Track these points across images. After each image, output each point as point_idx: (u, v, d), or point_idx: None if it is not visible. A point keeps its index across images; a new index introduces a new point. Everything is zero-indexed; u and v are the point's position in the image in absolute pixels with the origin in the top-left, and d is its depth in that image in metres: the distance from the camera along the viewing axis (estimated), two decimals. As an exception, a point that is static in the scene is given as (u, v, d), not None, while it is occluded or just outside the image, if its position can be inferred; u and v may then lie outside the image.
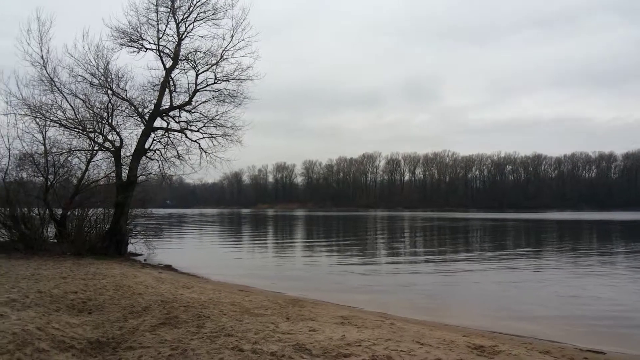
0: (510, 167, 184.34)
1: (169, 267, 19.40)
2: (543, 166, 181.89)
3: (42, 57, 20.98)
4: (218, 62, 22.38)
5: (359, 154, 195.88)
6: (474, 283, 17.40)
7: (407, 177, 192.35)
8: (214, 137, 22.81)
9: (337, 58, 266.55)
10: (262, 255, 28.02)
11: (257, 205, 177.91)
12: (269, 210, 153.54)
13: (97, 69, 21.34)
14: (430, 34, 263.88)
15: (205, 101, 22.90)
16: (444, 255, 26.92)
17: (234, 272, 19.68)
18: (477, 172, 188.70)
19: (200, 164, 22.95)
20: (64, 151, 22.15)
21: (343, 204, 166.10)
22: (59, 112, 21.55)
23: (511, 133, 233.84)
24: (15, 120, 21.27)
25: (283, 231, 53.57)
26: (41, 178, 22.29)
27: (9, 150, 22.12)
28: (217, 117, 22.68)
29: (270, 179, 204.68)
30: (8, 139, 21.86)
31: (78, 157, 22.98)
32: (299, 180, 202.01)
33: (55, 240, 21.81)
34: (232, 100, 22.73)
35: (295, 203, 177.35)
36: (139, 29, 21.77)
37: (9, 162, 22.54)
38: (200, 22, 22.17)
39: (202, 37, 22.41)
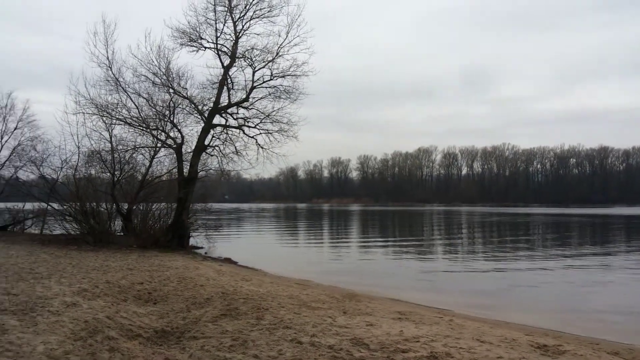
0: (575, 160, 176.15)
1: (228, 260, 19.90)
2: (610, 159, 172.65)
3: (107, 58, 22.04)
4: (274, 58, 22.70)
5: (414, 148, 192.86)
6: (535, 281, 16.86)
7: (464, 171, 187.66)
8: (271, 133, 23.19)
9: (391, 49, 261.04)
10: (318, 250, 28.26)
11: (312, 199, 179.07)
12: (324, 204, 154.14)
13: (159, 68, 22.18)
14: (489, 21, 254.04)
15: (261, 98, 23.31)
16: (503, 252, 26.21)
17: (290, 265, 19.99)
18: (538, 166, 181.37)
19: (257, 159, 23.41)
20: (129, 148, 23.19)
21: (398, 199, 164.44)
22: (124, 110, 22.58)
23: (575, 125, 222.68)
24: (84, 119, 22.50)
25: (338, 226, 53.77)
26: (108, 174, 23.41)
27: (78, 148, 23.53)
28: (274, 113, 23.05)
29: (326, 173, 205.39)
30: (77, 137, 23.23)
31: (142, 154, 23.98)
32: (354, 174, 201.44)
33: (122, 234, 22.88)
34: (288, 96, 23.02)
35: (350, 198, 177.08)
36: (197, 29, 22.45)
37: (78, 159, 23.96)
38: (257, 19, 22.55)
39: (258, 34, 22.81)
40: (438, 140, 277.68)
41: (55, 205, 24.75)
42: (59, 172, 25.81)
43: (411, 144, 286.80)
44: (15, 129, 28.88)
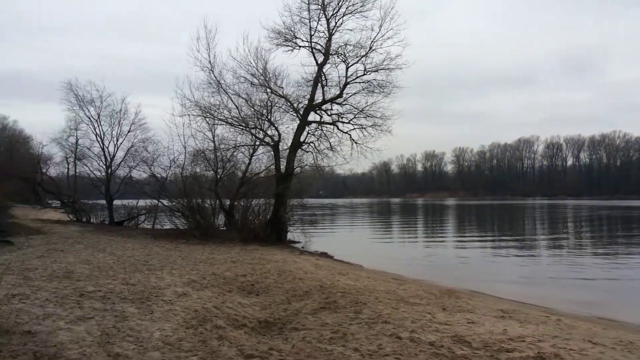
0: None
1: (324, 254, 20.23)
2: None
3: (209, 62, 23.26)
4: (367, 53, 22.69)
5: (513, 139, 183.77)
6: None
7: (569, 162, 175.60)
8: (364, 128, 23.22)
9: (482, 37, 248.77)
10: (413, 245, 27.91)
11: (406, 194, 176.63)
12: (419, 199, 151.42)
13: (257, 69, 23.04)
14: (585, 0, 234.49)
15: (355, 93, 23.40)
16: (615, 247, 24.31)
17: (385, 260, 19.92)
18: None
19: (352, 154, 23.56)
20: (230, 147, 24.39)
21: (497, 192, 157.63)
22: (225, 111, 23.76)
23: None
24: (189, 121, 24.02)
25: (433, 220, 52.70)
26: (212, 172, 24.81)
27: (184, 147, 25.20)
28: (367, 107, 23.05)
29: (419, 167, 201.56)
30: (184, 138, 24.90)
31: (242, 152, 25.10)
32: (449, 168, 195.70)
33: (225, 228, 24.04)
34: (381, 90, 22.92)
35: (446, 191, 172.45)
36: (292, 28, 23.01)
37: (185, 159, 25.62)
38: (349, 15, 22.65)
39: (351, 30, 22.91)
40: (538, 130, 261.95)
41: (165, 202, 26.61)
42: (167, 171, 27.83)
43: (508, 134, 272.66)
44: (128, 131, 31.49)
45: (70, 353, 5.36)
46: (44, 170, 37.62)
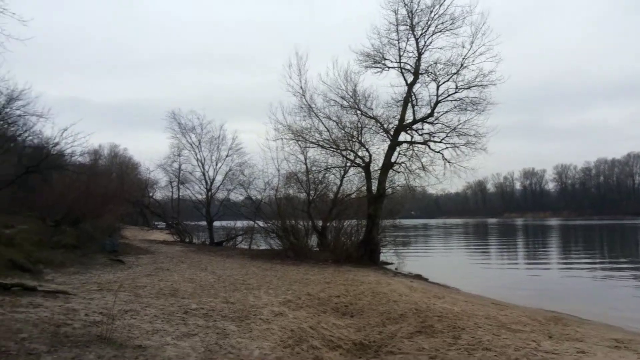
0: None
1: (419, 277, 19.80)
2: None
3: (301, 87, 23.98)
4: (458, 70, 22.22)
5: (621, 154, 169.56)
6: None
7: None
8: (457, 147, 22.62)
9: (580, 48, 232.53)
10: (513, 268, 26.50)
11: (503, 214, 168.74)
12: (518, 219, 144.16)
13: (347, 92, 23.36)
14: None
15: (447, 111, 22.94)
16: None
17: (483, 283, 19.09)
18: None
19: (444, 174, 23.00)
20: (322, 169, 24.88)
21: (605, 211, 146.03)
22: (316, 134, 24.30)
23: None
24: (282, 144, 24.83)
25: (535, 242, 49.83)
26: (304, 194, 25.33)
27: (278, 170, 26.10)
28: (460, 126, 22.47)
29: (517, 186, 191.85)
30: (277, 161, 25.82)
31: (334, 174, 25.47)
32: (551, 186, 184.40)
33: (318, 249, 24.33)
34: (474, 107, 22.28)
35: (547, 211, 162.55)
36: (381, 50, 23.13)
37: (278, 181, 26.43)
38: (439, 34, 22.37)
39: (440, 48, 22.59)
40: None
41: (261, 223, 27.48)
42: (262, 193, 28.84)
43: (616, 149, 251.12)
44: (226, 156, 33.32)
45: (177, 368, 5.64)
46: (151, 194, 40.57)
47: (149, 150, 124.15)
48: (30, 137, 26.89)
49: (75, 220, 23.25)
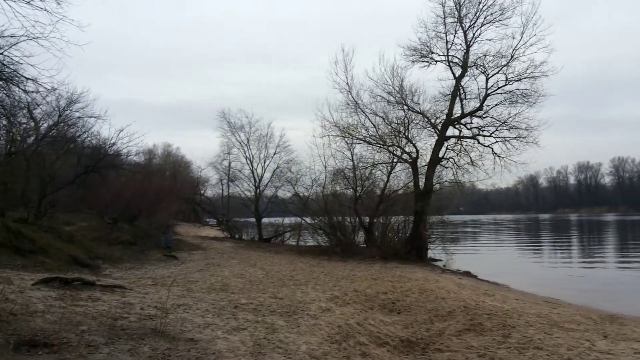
0: None
1: (467, 274, 19.47)
2: None
3: (347, 83, 24.00)
4: (508, 62, 21.70)
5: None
6: None
7: None
8: (508, 141, 22.11)
9: (635, 34, 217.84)
10: (567, 265, 25.63)
11: (556, 209, 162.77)
12: (571, 215, 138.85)
13: (393, 87, 23.24)
14: None
15: (496, 105, 22.44)
16: None
17: (535, 281, 18.54)
18: None
19: (494, 169, 22.55)
20: (368, 165, 24.82)
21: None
22: (362, 130, 24.32)
23: None
24: (329, 141, 24.93)
25: (590, 238, 47.99)
26: (351, 190, 25.36)
27: (325, 167, 26.27)
28: (510, 119, 21.96)
29: (572, 180, 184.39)
30: (324, 158, 25.98)
31: (380, 170, 25.37)
32: (607, 180, 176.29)
33: (365, 245, 24.32)
34: (526, 100, 21.72)
35: (603, 206, 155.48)
36: (428, 44, 22.89)
37: (325, 178, 26.56)
38: (488, 25, 21.93)
39: (490, 40, 22.13)
40: None
41: (308, 220, 27.72)
42: (310, 190, 29.06)
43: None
44: (274, 154, 33.84)
45: (227, 361, 5.82)
46: (202, 192, 41.65)
47: (200, 149, 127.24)
48: (89, 138, 28.12)
49: (131, 218, 24.20)
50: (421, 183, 22.93)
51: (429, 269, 18.91)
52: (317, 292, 11.77)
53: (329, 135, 24.81)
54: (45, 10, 13.02)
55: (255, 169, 34.11)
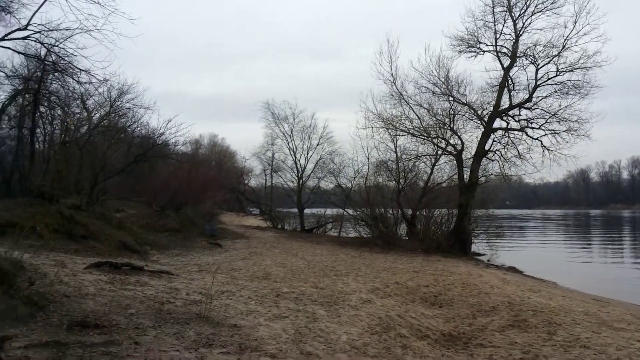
0: None
1: (512, 269, 19.07)
2: None
3: (391, 74, 23.76)
4: (560, 52, 20.97)
5: None
6: None
7: None
8: (557, 133, 21.45)
9: None
10: (617, 263, 24.69)
11: (608, 205, 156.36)
12: (624, 211, 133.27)
13: (439, 78, 22.85)
14: None
15: (546, 96, 21.77)
16: None
17: (583, 278, 17.96)
18: None
19: (543, 162, 21.91)
20: (412, 157, 24.56)
21: None
22: (407, 122, 24.06)
23: None
24: (372, 133, 24.82)
25: (645, 236, 45.98)
26: (394, 182, 25.21)
27: (368, 159, 26.25)
28: (560, 111, 21.27)
29: (625, 175, 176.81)
30: (367, 149, 25.96)
31: (424, 162, 25.09)
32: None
33: (407, 238, 24.15)
34: (577, 91, 20.99)
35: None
36: (475, 34, 22.40)
37: (368, 169, 26.50)
38: (539, 14, 21.26)
39: (540, 29, 21.44)
40: None
41: (350, 211, 27.74)
42: (352, 181, 29.07)
43: None
44: (317, 145, 33.88)
45: (268, 348, 5.94)
46: (246, 182, 42.26)
47: (245, 139, 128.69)
48: (139, 128, 28.88)
49: (178, 206, 24.87)
50: (466, 176, 22.52)
51: (472, 263, 18.61)
52: (358, 283, 11.81)
53: (372, 127, 24.73)
54: (98, 3, 13.59)
55: (299, 160, 34.35)
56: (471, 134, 23.52)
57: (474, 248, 23.51)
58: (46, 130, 23.56)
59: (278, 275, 12.23)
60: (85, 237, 14.01)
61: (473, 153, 22.64)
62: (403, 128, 23.98)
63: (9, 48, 15.76)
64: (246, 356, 5.45)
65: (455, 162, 23.28)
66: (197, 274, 11.49)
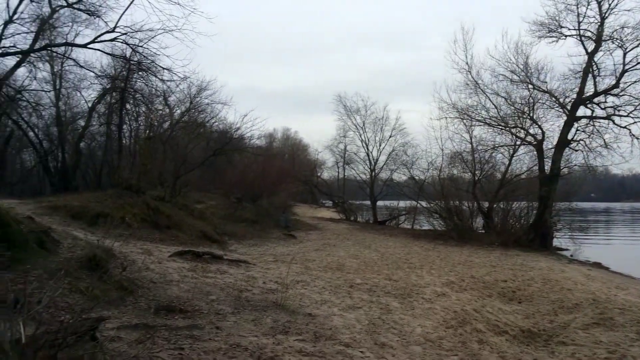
0: None
1: (598, 265, 18.03)
2: None
3: (466, 63, 23.06)
4: (652, 34, 19.45)
5: None
6: None
7: None
8: (649, 121, 19.96)
9: None
10: None
11: None
12: None
13: (517, 65, 21.89)
14: None
15: (635, 81, 20.18)
16: None
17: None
18: None
19: (632, 152, 20.45)
20: (488, 148, 23.75)
21: None
22: (483, 111, 23.26)
23: None
24: (446, 123, 24.25)
25: None
26: (469, 174, 24.53)
27: (442, 150, 25.69)
28: (649, 97, 19.75)
29: None
30: (441, 141, 25.40)
31: (501, 153, 24.17)
32: None
33: (483, 231, 23.48)
34: (674, 76, 19.38)
35: None
36: (556, 18, 21.18)
37: (442, 161, 25.98)
38: (629, -7, 19.82)
39: (628, 10, 19.93)
40: None
41: (423, 203, 27.36)
42: (425, 173, 28.60)
43: None
44: (390, 137, 33.72)
45: (342, 337, 6.05)
46: (319, 174, 42.76)
47: (317, 132, 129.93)
48: (217, 123, 29.98)
49: (254, 197, 25.62)
50: (547, 167, 21.52)
51: (553, 258, 17.79)
52: (432, 277, 11.67)
53: (446, 117, 24.10)
54: (178, 3, 14.24)
55: (371, 152, 34.32)
56: (552, 123, 22.38)
57: (555, 242, 22.45)
58: (132, 127, 24.99)
59: (351, 267, 12.34)
60: (169, 227, 14.82)
61: (555, 143, 21.55)
62: (479, 118, 23.25)
63: (98, 49, 16.84)
64: (321, 344, 5.59)
65: (535, 152, 22.29)
66: (273, 264, 11.83)
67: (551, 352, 6.78)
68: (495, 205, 23.27)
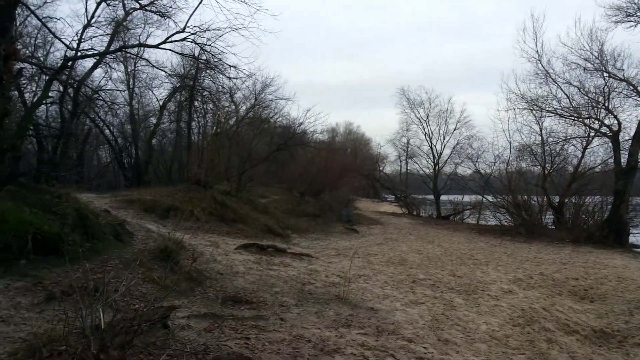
0: None
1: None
2: None
3: (536, 52, 22.11)
4: None
5: None
6: None
7: None
8: None
9: None
10: None
11: None
12: None
13: (591, 52, 20.77)
14: None
15: None
16: None
17: None
18: None
19: None
20: (559, 140, 22.73)
21: None
22: (554, 102, 22.25)
23: None
24: (515, 115, 23.46)
25: None
26: (539, 167, 23.62)
27: (509, 142, 24.80)
28: None
29: None
30: (509, 133, 24.62)
31: (574, 145, 23.07)
32: None
33: (553, 227, 22.55)
34: None
35: None
36: (636, 1, 19.93)
37: (510, 154, 25.12)
38: None
39: None
40: None
41: (490, 198, 26.60)
42: (492, 167, 27.76)
43: None
44: (454, 129, 33.05)
45: (405, 332, 6.05)
46: (381, 168, 42.57)
47: (379, 126, 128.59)
48: (280, 119, 30.52)
49: (316, 192, 25.87)
50: (623, 159, 20.35)
51: (630, 256, 16.84)
52: (498, 273, 11.39)
53: (514, 109, 23.29)
54: (245, 2, 14.59)
55: (434, 146, 33.76)
56: (630, 113, 21.09)
57: (632, 239, 21.26)
58: (200, 123, 25.84)
59: (414, 262, 12.24)
60: (235, 220, 15.27)
61: (632, 134, 20.33)
62: (550, 109, 22.28)
63: (169, 49, 17.53)
64: (384, 338, 5.62)
65: (610, 144, 21.13)
66: (335, 258, 11.94)
67: (626, 354, 6.49)
68: (566, 200, 22.30)
